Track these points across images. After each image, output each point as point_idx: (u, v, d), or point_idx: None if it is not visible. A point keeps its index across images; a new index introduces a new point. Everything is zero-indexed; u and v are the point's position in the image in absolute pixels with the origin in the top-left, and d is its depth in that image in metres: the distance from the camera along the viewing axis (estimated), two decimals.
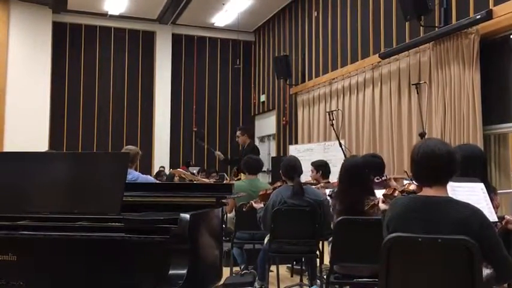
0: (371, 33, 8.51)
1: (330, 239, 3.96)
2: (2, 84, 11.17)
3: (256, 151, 7.13)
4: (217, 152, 8.45)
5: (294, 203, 4.18)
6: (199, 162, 12.72)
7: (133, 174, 4.57)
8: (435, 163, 2.14)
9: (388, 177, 4.23)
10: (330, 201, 4.21)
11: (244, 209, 4.55)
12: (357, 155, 3.92)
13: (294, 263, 5.45)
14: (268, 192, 4.42)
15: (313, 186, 4.69)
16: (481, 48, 6.21)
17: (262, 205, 4.41)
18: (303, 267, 5.02)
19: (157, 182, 6.81)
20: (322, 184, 5.08)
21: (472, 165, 2.84)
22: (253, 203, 4.48)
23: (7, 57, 11.28)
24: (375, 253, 2.17)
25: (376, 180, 4.10)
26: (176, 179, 8.33)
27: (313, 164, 5.69)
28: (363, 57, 8.72)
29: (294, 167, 4.34)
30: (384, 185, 4.08)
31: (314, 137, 10.18)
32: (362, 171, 3.46)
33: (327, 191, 4.50)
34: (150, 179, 5.47)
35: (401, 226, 2.15)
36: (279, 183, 4.52)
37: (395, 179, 4.09)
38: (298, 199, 4.19)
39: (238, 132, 7.48)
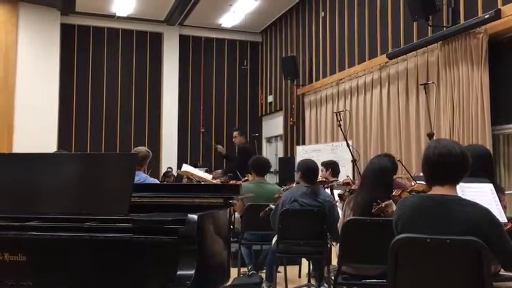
0: (378, 33, 8.49)
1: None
2: (12, 85, 11.25)
3: (245, 152, 7.14)
4: (219, 146, 8.35)
5: (305, 201, 4.20)
6: (206, 162, 12.73)
7: (141, 176, 4.48)
8: (451, 162, 2.16)
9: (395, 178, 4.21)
10: (339, 201, 4.22)
11: (261, 215, 4.56)
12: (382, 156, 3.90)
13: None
14: (280, 195, 4.47)
15: (322, 186, 4.72)
16: (490, 48, 6.18)
17: None
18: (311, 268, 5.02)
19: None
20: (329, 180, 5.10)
21: (480, 165, 2.83)
22: (272, 206, 4.50)
23: (16, 58, 11.37)
24: (383, 254, 2.17)
25: None
26: (184, 180, 8.34)
27: (322, 163, 5.74)
28: (370, 58, 8.70)
29: (315, 170, 4.43)
30: (395, 187, 4.06)
31: (321, 138, 10.17)
32: (388, 174, 3.44)
33: (336, 192, 4.50)
34: (157, 182, 5.40)
35: (411, 225, 2.15)
36: (292, 185, 4.58)
37: (399, 178, 4.08)
38: (310, 198, 4.20)
39: (235, 133, 7.47)
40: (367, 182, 3.41)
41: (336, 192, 4.78)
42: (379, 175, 3.37)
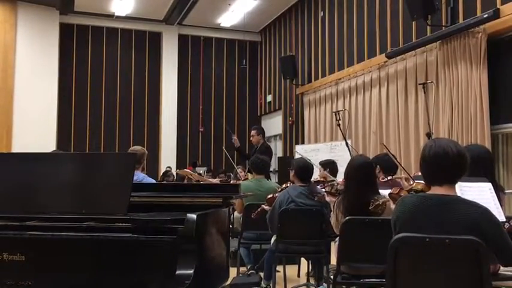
0: (377, 33, 8.49)
1: (337, 239, 3.96)
2: (10, 85, 11.24)
3: (270, 152, 7.06)
4: (235, 138, 8.02)
5: (302, 201, 4.18)
6: (206, 162, 12.73)
7: (139, 176, 4.45)
8: (447, 162, 2.14)
9: (393, 177, 4.21)
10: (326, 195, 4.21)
11: (252, 216, 4.54)
12: (363, 154, 3.92)
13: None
14: (274, 196, 4.43)
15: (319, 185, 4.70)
16: (488, 48, 6.18)
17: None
18: (310, 268, 5.02)
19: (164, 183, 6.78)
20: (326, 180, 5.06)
21: (481, 166, 2.83)
22: (264, 207, 4.48)
23: (15, 58, 11.35)
24: (382, 253, 2.17)
25: (382, 180, 4.08)
26: (186, 180, 8.31)
27: (320, 162, 5.72)
28: (369, 57, 8.70)
29: (308, 169, 4.39)
30: (390, 184, 4.06)
31: (321, 137, 10.17)
32: (372, 171, 3.44)
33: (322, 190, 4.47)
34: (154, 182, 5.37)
35: (410, 225, 2.15)
36: (285, 186, 4.54)
37: (400, 178, 4.07)
38: (307, 198, 4.19)
39: (253, 132, 7.32)
40: (350, 183, 3.41)
41: None
42: (360, 172, 3.35)
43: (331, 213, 3.64)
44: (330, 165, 5.62)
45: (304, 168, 4.38)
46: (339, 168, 5.90)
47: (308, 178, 4.37)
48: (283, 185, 4.62)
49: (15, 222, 2.35)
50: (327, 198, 3.88)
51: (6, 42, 11.26)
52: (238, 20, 12.53)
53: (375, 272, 3.16)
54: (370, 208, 3.16)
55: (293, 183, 4.50)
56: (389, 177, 4.24)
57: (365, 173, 3.35)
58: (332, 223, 3.56)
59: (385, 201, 3.15)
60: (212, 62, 13.66)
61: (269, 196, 4.49)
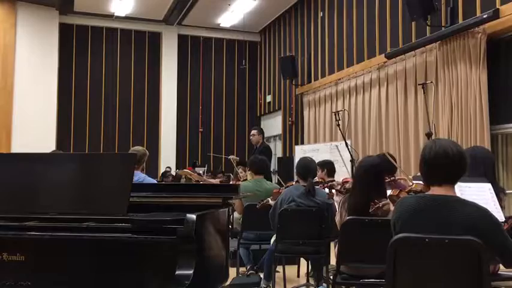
0: (377, 33, 8.49)
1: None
2: (10, 85, 11.24)
3: (269, 152, 7.07)
4: (231, 156, 8.18)
5: (303, 202, 4.18)
6: (205, 162, 12.74)
7: (139, 176, 4.47)
8: (447, 163, 2.14)
9: (396, 177, 4.20)
10: (335, 193, 4.22)
11: (257, 207, 4.56)
12: (373, 155, 3.91)
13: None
14: (280, 191, 4.45)
15: (319, 186, 4.71)
16: (488, 48, 6.18)
17: None
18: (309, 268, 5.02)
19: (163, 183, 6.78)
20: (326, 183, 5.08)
21: (483, 167, 2.84)
22: (270, 200, 4.49)
23: (14, 58, 11.36)
24: (382, 253, 2.17)
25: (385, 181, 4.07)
26: (183, 180, 8.33)
27: (318, 163, 5.72)
28: (369, 57, 8.70)
29: (309, 168, 4.37)
30: (392, 185, 4.05)
31: (320, 138, 10.17)
32: (380, 172, 3.43)
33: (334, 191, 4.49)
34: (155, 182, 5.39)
35: (409, 226, 2.15)
36: (289, 184, 4.56)
37: (404, 179, 4.06)
38: (308, 199, 4.19)
39: (254, 131, 7.34)
40: (357, 183, 3.40)
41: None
42: (368, 173, 3.34)
43: (337, 211, 3.65)
44: (327, 166, 5.62)
45: (306, 168, 4.38)
46: (338, 168, 5.91)
47: (311, 178, 4.37)
48: (288, 183, 4.64)
49: (15, 222, 2.35)
50: (336, 198, 3.89)
51: (6, 42, 11.27)
52: (238, 20, 12.54)
53: (374, 272, 3.16)
54: (370, 211, 3.16)
55: (298, 182, 4.51)
56: (392, 178, 4.24)
57: (373, 174, 3.35)
58: (337, 221, 3.57)
59: (385, 203, 3.14)
60: (212, 62, 13.66)
61: (275, 190, 4.52)
